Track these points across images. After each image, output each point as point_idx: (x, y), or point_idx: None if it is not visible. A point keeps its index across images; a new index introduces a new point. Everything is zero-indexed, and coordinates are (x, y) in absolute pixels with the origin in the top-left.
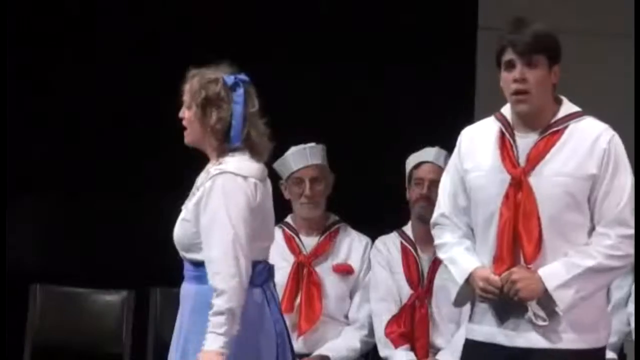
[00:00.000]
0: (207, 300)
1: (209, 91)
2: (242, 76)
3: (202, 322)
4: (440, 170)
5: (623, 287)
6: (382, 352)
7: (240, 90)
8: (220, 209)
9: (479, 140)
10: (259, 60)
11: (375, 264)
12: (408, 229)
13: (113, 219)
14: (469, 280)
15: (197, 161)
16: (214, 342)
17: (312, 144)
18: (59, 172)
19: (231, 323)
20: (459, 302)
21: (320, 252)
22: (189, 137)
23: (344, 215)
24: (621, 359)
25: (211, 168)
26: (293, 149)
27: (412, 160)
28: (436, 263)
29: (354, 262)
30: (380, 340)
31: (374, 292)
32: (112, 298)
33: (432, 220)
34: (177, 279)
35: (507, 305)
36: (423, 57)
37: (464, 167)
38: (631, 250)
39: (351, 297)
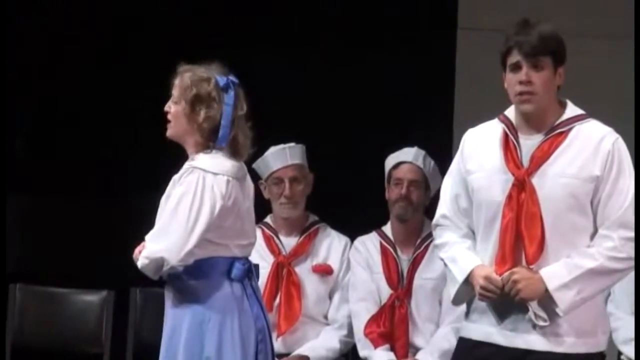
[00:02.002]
0: (187, 295)
1: (200, 89)
2: (233, 78)
3: (182, 321)
4: (419, 170)
5: None
6: (362, 352)
7: (232, 93)
8: (181, 200)
9: (482, 142)
10: (237, 57)
11: (354, 264)
12: (387, 229)
13: (93, 219)
14: (468, 279)
15: (179, 162)
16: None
17: (292, 144)
18: (39, 173)
19: (152, 268)
20: (457, 301)
21: (299, 252)
22: (171, 131)
23: (323, 215)
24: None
25: (185, 164)
26: (272, 149)
27: (391, 161)
28: (415, 263)
29: (334, 262)
30: (360, 340)
31: (354, 292)
32: (92, 298)
33: (434, 221)
34: (157, 280)
35: (507, 305)
36: (403, 57)
37: (467, 168)
38: (633, 252)
39: (330, 297)
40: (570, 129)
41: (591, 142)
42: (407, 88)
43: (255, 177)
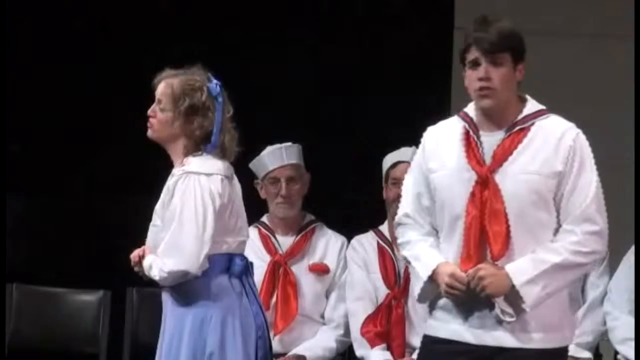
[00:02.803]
0: (188, 294)
1: (193, 99)
2: (218, 81)
3: (183, 320)
4: None
5: (599, 286)
6: (358, 352)
7: (221, 99)
8: (185, 208)
9: (443, 140)
10: (235, 59)
11: (351, 264)
12: (384, 228)
13: (90, 219)
14: (432, 277)
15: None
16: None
17: (288, 144)
18: (37, 172)
19: (172, 280)
20: (422, 299)
21: (296, 252)
22: (155, 134)
23: (320, 214)
24: (597, 359)
25: (175, 169)
26: (269, 149)
27: (388, 160)
28: None
29: (330, 262)
30: (356, 340)
31: (350, 292)
32: (88, 298)
33: (396, 220)
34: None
35: (472, 302)
36: (400, 57)
37: (429, 167)
38: (597, 246)
39: (327, 296)
40: (531, 125)
41: (552, 138)
42: (404, 88)
43: (251, 176)
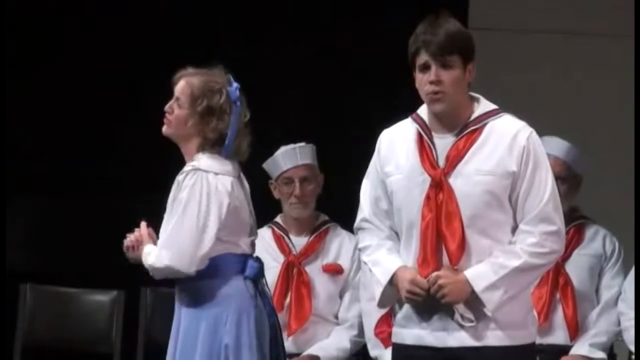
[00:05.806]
0: (202, 295)
1: (212, 101)
2: (237, 84)
3: (198, 321)
4: None
5: (613, 286)
6: (372, 352)
7: (239, 103)
8: (189, 204)
9: (397, 143)
10: (247, 58)
11: None
12: None
13: (103, 218)
14: (392, 281)
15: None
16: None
17: (302, 144)
18: (50, 172)
19: (160, 275)
20: (382, 304)
21: (310, 252)
22: (170, 130)
23: (333, 215)
24: (611, 359)
25: (186, 166)
26: (283, 149)
27: None
28: None
29: (344, 262)
30: (370, 340)
31: (364, 292)
32: (102, 298)
33: (355, 225)
34: (167, 279)
35: (433, 306)
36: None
37: (385, 171)
38: (555, 246)
39: (341, 296)
40: (484, 126)
41: (506, 138)
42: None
43: (265, 176)
